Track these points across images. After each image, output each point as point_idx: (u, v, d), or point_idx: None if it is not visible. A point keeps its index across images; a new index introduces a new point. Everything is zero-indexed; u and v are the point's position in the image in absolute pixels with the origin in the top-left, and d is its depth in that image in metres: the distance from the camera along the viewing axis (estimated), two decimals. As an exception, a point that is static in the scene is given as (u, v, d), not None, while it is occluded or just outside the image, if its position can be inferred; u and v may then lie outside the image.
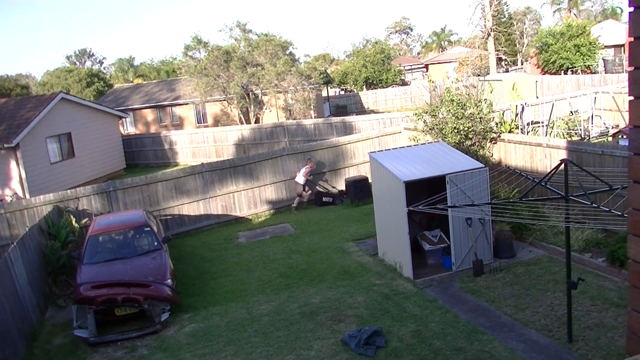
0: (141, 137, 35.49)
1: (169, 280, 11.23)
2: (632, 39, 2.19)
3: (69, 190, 16.30)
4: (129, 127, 42.30)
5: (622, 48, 45.49)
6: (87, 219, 15.39)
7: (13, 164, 24.15)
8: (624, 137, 16.78)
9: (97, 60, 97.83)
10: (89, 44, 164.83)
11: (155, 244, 12.49)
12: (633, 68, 2.21)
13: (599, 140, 19.82)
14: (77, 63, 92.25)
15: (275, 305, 11.02)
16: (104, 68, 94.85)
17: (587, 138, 20.04)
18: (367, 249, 13.83)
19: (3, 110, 26.37)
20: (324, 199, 19.21)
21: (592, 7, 72.38)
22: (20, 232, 13.90)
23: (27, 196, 22.86)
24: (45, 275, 13.11)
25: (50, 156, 26.12)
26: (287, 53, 36.99)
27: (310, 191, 19.22)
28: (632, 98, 2.23)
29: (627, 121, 2.11)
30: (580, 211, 8.94)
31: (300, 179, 18.59)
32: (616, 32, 45.71)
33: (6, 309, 9.64)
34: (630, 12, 2.15)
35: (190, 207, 17.56)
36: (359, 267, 12.60)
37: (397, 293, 10.90)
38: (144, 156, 34.17)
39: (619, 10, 67.68)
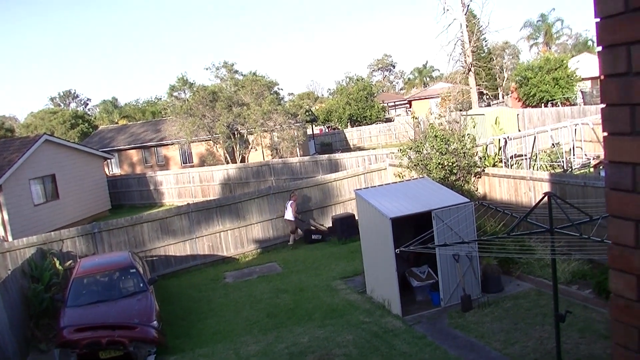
0: (126, 177, 35.38)
1: (155, 322, 11.08)
2: (602, 77, 2.25)
3: (52, 232, 16.15)
4: (114, 168, 42.19)
5: (599, 80, 46.36)
6: (71, 261, 15.21)
7: (-4, 207, 23.93)
8: (604, 167, 16.97)
9: (82, 102, 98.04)
10: (73, 86, 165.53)
11: (141, 285, 12.36)
12: (605, 105, 2.27)
13: (581, 171, 20.04)
14: (62, 104, 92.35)
15: (263, 346, 10.89)
16: (89, 109, 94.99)
17: (570, 170, 20.26)
18: (355, 286, 13.75)
19: (-14, 153, 26.24)
20: (313, 236, 19.14)
21: (567, 40, 74.09)
22: (2, 275, 13.67)
23: (10, 238, 22.58)
24: (27, 318, 12.88)
25: (33, 198, 25.92)
26: (272, 92, 37.29)
27: (298, 229, 19.13)
28: (606, 134, 2.29)
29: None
30: (566, 243, 8.99)
31: (289, 215, 18.53)
32: (591, 64, 46.63)
33: (-12, 356, 9.44)
34: (598, 52, 2.21)
35: (176, 248, 17.43)
36: (347, 305, 12.52)
37: (386, 331, 10.83)
38: (130, 197, 34.00)
39: (590, 43, 69.30)
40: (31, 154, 25.79)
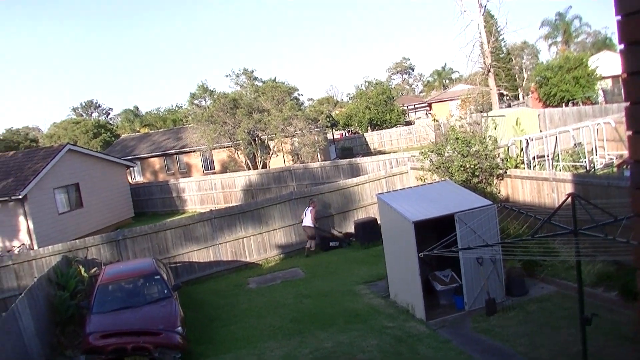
0: (149, 185, 35.70)
1: (180, 328, 11.14)
2: (625, 75, 2.23)
3: (77, 240, 16.36)
4: (136, 176, 42.62)
5: (620, 78, 45.74)
6: (96, 268, 15.39)
7: (21, 215, 24.34)
8: (628, 167, 16.73)
9: (104, 111, 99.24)
10: (95, 95, 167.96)
11: (165, 291, 12.45)
12: (629, 103, 2.25)
13: (604, 171, 19.78)
14: (84, 114, 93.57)
15: (287, 351, 10.88)
16: (111, 119, 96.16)
17: (592, 170, 20.01)
18: (378, 291, 13.71)
19: (11, 163, 26.75)
20: (331, 243, 19.11)
21: (586, 39, 73.12)
22: (28, 283, 13.90)
23: (35, 247, 22.94)
24: (53, 325, 13.04)
25: (58, 207, 26.30)
26: (292, 98, 37.37)
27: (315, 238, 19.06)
28: (630, 133, 2.26)
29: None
30: (590, 244, 8.88)
31: (308, 221, 18.50)
32: (612, 62, 46.07)
33: (16, 363, 9.58)
34: (620, 50, 2.20)
35: (199, 254, 17.54)
36: (370, 310, 12.48)
37: (410, 335, 10.77)
38: (152, 204, 34.30)
39: (609, 41, 68.38)
40: (55, 164, 26.20)
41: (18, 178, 24.96)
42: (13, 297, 13.62)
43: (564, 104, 43.34)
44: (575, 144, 22.13)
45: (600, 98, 44.36)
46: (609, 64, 45.06)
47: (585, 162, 20.70)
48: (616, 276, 11.08)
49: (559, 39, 70.94)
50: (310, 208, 18.54)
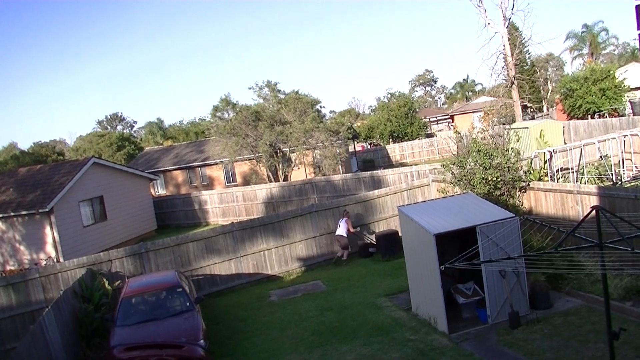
0: (172, 198, 35.98)
1: (202, 341, 11.18)
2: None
3: (102, 253, 16.51)
4: (159, 189, 43.01)
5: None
6: (119, 281, 15.54)
7: (47, 228, 24.71)
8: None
9: (128, 124, 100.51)
10: (120, 109, 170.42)
11: (188, 304, 12.51)
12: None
13: (632, 184, 19.48)
14: (109, 127, 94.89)
15: (309, 364, 10.86)
16: (135, 131, 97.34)
17: (619, 183, 19.71)
18: (400, 303, 13.63)
19: (38, 176, 27.17)
20: (370, 249, 19.11)
21: (614, 50, 72.28)
22: (54, 296, 14.06)
23: (61, 259, 23.24)
24: (78, 338, 13.16)
25: (83, 219, 26.63)
26: (314, 110, 37.44)
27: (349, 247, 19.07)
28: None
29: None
30: (617, 258, 8.74)
31: (342, 231, 18.53)
32: (640, 74, 45.50)
33: (41, 374, 9.67)
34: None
35: (221, 267, 17.60)
36: (392, 323, 12.41)
37: (432, 348, 10.68)
38: (175, 217, 34.56)
39: (637, 53, 67.50)
40: (80, 177, 26.57)
41: (45, 191, 25.37)
42: (40, 310, 13.79)
43: (589, 116, 42.82)
44: (601, 156, 21.84)
45: (628, 110, 43.72)
46: (637, 76, 44.42)
47: (612, 174, 20.42)
48: (644, 290, 10.88)
49: (585, 51, 70.25)
50: (345, 219, 18.58)
